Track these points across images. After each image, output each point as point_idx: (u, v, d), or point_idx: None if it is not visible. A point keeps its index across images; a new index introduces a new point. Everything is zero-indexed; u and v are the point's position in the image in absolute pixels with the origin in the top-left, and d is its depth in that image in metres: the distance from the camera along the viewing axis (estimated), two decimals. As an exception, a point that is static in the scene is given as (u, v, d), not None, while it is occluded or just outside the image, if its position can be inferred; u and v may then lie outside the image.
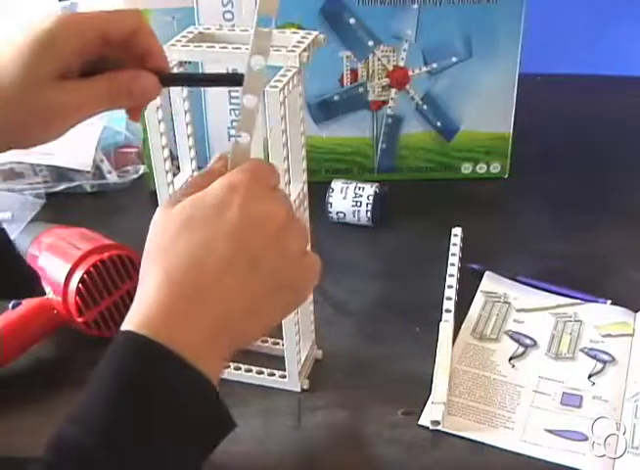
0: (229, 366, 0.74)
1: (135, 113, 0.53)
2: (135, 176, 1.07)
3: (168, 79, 0.54)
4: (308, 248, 0.51)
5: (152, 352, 0.41)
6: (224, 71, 0.56)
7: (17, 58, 0.45)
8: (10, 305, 0.77)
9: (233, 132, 0.51)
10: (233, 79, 0.52)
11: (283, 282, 0.45)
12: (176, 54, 0.63)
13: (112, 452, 0.39)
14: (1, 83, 0.45)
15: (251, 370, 0.74)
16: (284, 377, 0.73)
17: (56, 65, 0.46)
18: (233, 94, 0.98)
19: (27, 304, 0.77)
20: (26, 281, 0.59)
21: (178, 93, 0.67)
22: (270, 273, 0.44)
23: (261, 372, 0.74)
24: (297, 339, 0.71)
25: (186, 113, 0.66)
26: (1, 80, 0.45)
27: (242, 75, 0.50)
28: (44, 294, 0.63)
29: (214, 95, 0.95)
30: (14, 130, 0.47)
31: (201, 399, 0.42)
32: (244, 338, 0.46)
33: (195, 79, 0.61)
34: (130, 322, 0.42)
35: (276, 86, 0.60)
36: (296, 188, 0.67)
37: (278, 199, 0.47)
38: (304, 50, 0.62)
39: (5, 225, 0.61)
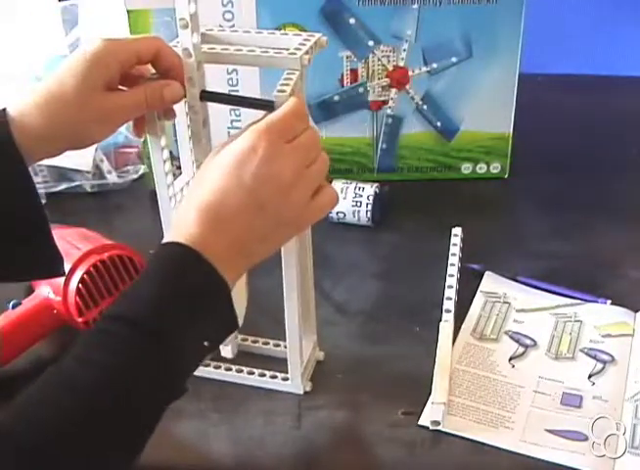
0: (231, 369, 0.74)
1: (139, 129, 0.66)
2: (135, 176, 1.07)
3: (208, 95, 0.63)
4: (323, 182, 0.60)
5: (187, 255, 0.53)
6: (259, 97, 0.62)
7: (74, 73, 0.60)
8: (10, 305, 0.77)
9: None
10: (265, 105, 0.59)
11: (284, 222, 0.57)
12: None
13: (159, 321, 0.51)
14: (64, 91, 0.60)
15: (253, 373, 0.74)
16: (286, 379, 0.73)
17: (103, 77, 0.60)
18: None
19: (27, 304, 0.77)
20: (54, 261, 0.64)
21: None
22: (273, 217, 0.56)
23: (263, 375, 0.74)
24: (300, 342, 0.71)
25: (187, 114, 0.66)
26: (64, 89, 0.60)
27: (273, 102, 0.58)
28: (64, 274, 0.67)
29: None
30: (73, 128, 0.61)
31: (219, 293, 0.54)
32: (253, 258, 0.58)
33: (230, 100, 0.68)
34: (169, 238, 0.54)
35: (284, 90, 0.59)
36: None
37: (290, 155, 0.56)
38: (306, 53, 0.61)
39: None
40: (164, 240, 0.55)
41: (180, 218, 0.56)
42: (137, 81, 0.63)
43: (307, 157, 0.58)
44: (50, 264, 0.64)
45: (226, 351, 0.76)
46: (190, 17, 0.59)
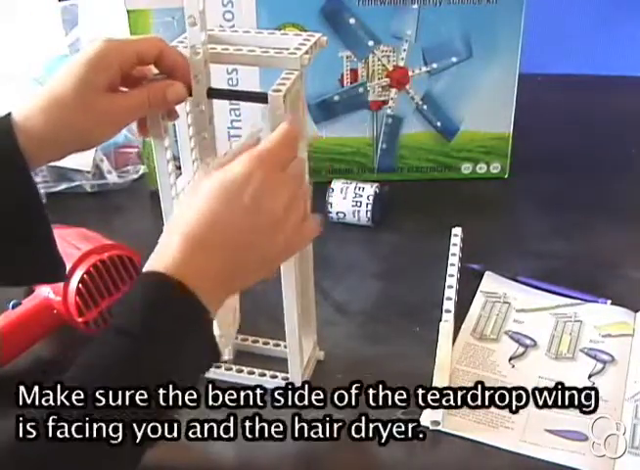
0: (231, 369, 0.74)
1: (144, 130, 0.66)
2: (135, 176, 1.07)
3: (215, 92, 0.63)
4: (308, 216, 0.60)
5: (170, 285, 0.52)
6: (256, 90, 0.63)
7: (74, 73, 0.59)
8: (10, 305, 0.77)
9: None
10: (260, 97, 0.60)
11: (269, 258, 0.58)
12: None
13: (151, 337, 0.50)
14: (66, 94, 0.59)
15: (253, 373, 0.74)
16: (286, 379, 0.73)
17: (104, 79, 0.60)
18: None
19: (27, 304, 0.77)
20: (55, 266, 0.64)
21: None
22: (259, 254, 0.56)
23: (264, 375, 0.74)
24: (300, 342, 0.71)
25: (188, 114, 0.66)
26: (66, 91, 0.59)
27: (266, 94, 0.59)
28: (67, 279, 0.67)
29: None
30: (77, 131, 0.61)
31: (201, 324, 0.53)
32: (237, 288, 0.59)
33: (235, 95, 0.71)
34: (150, 266, 0.53)
35: (279, 90, 0.59)
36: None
37: (281, 188, 0.56)
38: (306, 53, 0.61)
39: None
40: (147, 267, 0.53)
41: (164, 244, 0.54)
42: (139, 82, 0.63)
43: (297, 189, 0.58)
44: (52, 270, 0.64)
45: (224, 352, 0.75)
46: (199, 14, 0.59)
